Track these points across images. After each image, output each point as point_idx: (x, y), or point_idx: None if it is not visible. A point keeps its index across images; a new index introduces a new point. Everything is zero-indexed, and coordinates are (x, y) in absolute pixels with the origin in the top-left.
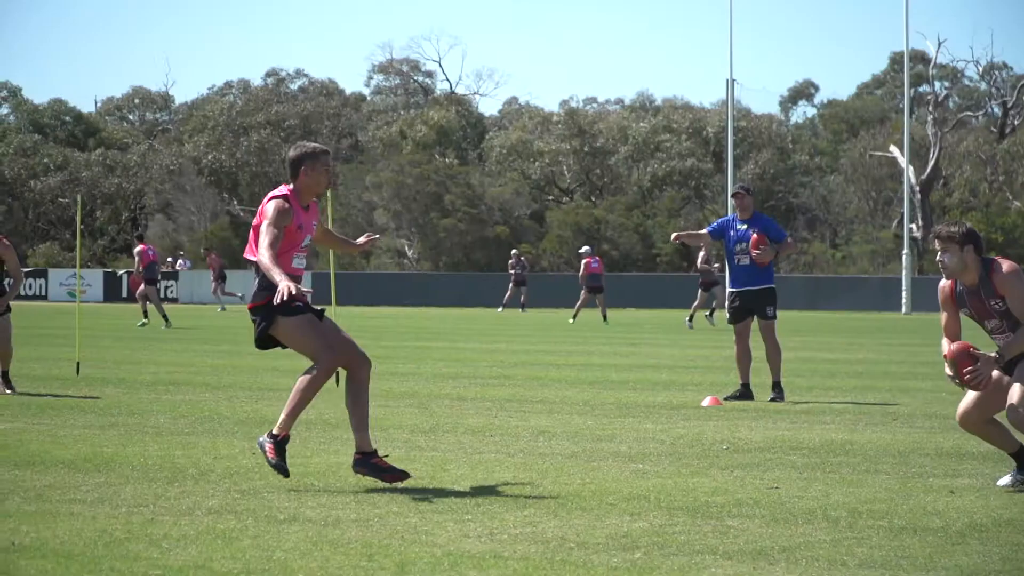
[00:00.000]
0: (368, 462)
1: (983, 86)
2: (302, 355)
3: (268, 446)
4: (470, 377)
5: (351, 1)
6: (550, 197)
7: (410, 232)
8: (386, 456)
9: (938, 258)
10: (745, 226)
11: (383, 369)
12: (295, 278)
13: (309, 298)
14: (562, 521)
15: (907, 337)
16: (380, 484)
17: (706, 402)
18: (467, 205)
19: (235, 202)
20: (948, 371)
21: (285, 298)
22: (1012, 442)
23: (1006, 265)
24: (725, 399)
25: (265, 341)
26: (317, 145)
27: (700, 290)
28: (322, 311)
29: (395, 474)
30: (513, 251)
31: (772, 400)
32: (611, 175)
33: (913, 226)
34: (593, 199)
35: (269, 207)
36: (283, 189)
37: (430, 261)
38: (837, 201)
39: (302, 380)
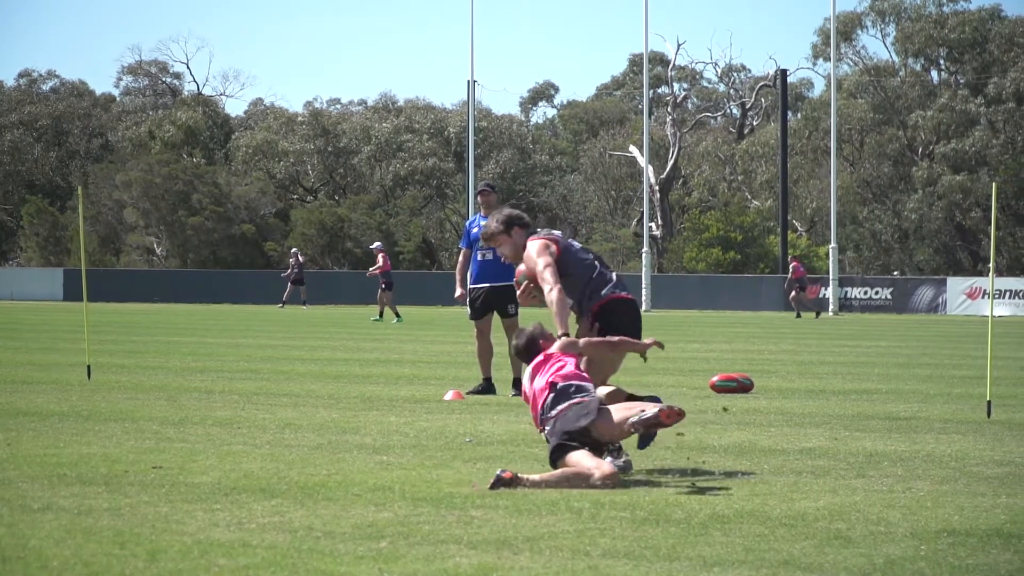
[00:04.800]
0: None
1: (722, 88)
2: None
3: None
4: (218, 371)
5: (101, 3)
6: (295, 196)
7: (159, 230)
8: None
9: (499, 253)
10: None
11: (131, 363)
12: None
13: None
14: (309, 511)
15: (646, 333)
16: (130, 474)
17: (449, 396)
18: (214, 204)
19: None
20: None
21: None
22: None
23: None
24: (468, 393)
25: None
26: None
27: None
28: None
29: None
30: (293, 250)
31: (514, 396)
32: (354, 174)
33: (652, 225)
34: (337, 198)
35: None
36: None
37: (178, 258)
38: (577, 200)
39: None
